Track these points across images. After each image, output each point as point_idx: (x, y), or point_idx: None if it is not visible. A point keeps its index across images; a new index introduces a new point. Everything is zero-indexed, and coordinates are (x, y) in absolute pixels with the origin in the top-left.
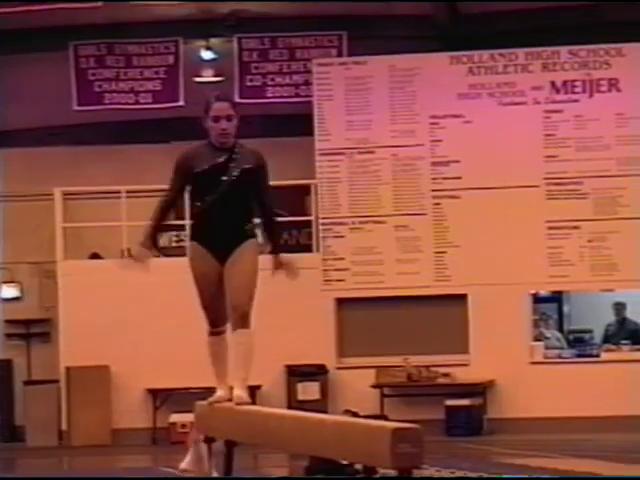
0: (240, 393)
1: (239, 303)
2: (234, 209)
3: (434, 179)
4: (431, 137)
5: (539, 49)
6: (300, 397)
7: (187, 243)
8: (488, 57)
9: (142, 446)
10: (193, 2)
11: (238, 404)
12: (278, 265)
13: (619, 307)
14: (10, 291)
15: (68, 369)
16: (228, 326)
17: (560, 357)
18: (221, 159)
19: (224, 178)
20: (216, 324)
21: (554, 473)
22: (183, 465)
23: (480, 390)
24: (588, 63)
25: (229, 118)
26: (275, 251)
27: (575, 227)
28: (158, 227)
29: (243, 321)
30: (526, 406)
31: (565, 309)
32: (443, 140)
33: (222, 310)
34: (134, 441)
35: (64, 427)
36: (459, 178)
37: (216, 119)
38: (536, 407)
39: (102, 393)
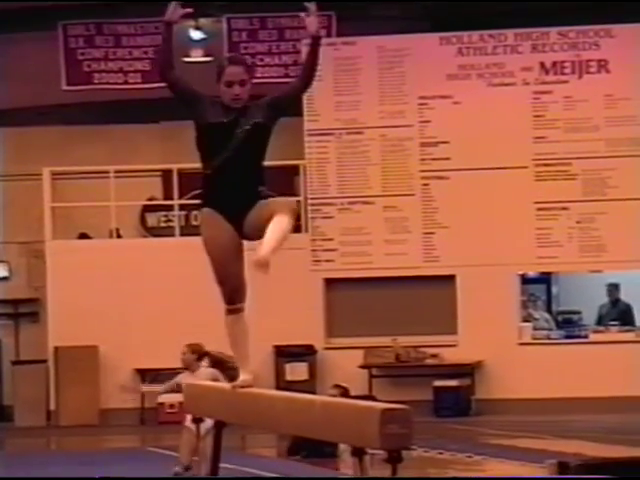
0: (264, 254)
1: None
2: (248, 169)
3: (423, 160)
4: (420, 118)
5: (528, 30)
6: (288, 378)
7: (198, 212)
8: (477, 38)
9: (130, 426)
10: None
11: (260, 264)
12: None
13: (611, 288)
14: None
15: (56, 349)
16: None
17: (548, 338)
18: (232, 117)
19: (237, 133)
20: (233, 300)
21: (542, 454)
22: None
23: (468, 371)
24: (577, 44)
25: (242, 83)
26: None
27: (564, 208)
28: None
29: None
30: (514, 387)
31: (554, 290)
32: (432, 121)
33: (240, 284)
34: (122, 421)
35: (52, 407)
36: (448, 159)
37: (229, 84)
38: (524, 388)
39: (90, 373)
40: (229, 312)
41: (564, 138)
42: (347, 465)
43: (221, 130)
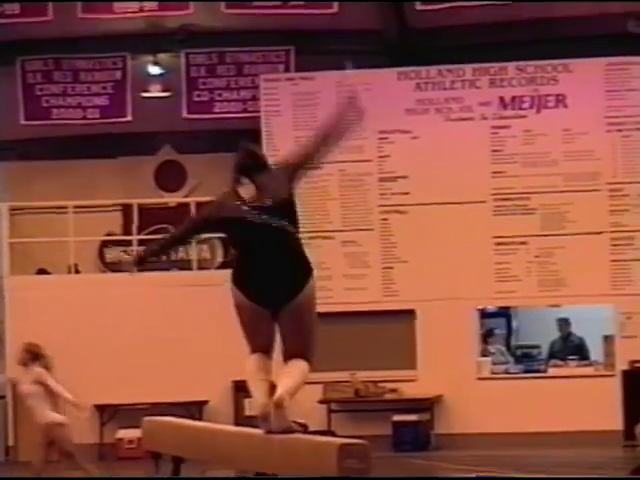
0: (282, 393)
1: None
2: (279, 251)
3: (382, 194)
4: (379, 152)
5: (487, 65)
6: (247, 413)
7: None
8: (436, 73)
9: (89, 462)
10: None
11: (277, 403)
12: None
13: (562, 323)
14: None
15: (15, 384)
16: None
17: (507, 372)
18: (256, 216)
19: (256, 217)
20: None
21: None
22: None
23: (427, 406)
24: (535, 79)
25: (254, 169)
26: None
27: (522, 242)
28: (158, 253)
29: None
30: (473, 421)
31: (513, 324)
32: (391, 155)
33: (270, 343)
34: (81, 456)
35: (11, 442)
36: (407, 193)
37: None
38: (483, 423)
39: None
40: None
41: (522, 173)
42: None
43: (240, 222)
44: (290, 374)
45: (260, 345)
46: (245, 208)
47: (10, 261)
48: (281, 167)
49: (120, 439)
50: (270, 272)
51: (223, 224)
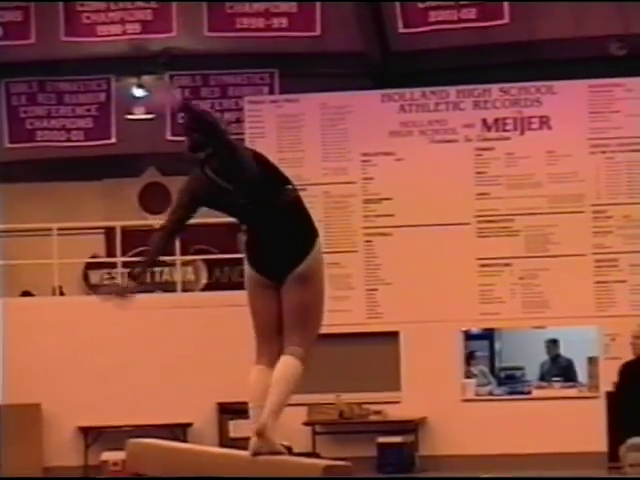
0: (265, 419)
1: (288, 340)
2: (267, 221)
3: (366, 216)
4: (363, 174)
5: (470, 87)
6: (232, 435)
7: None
8: (419, 95)
9: None
10: None
11: (258, 434)
12: None
13: (550, 345)
14: None
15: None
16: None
17: (491, 394)
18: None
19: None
20: (259, 360)
21: None
22: None
23: (412, 427)
24: (519, 101)
25: (198, 125)
26: None
27: (506, 264)
28: (157, 256)
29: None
30: (458, 443)
31: (497, 346)
32: (375, 178)
33: (273, 346)
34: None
35: None
36: (391, 215)
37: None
38: (468, 444)
39: (33, 431)
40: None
41: (506, 195)
42: None
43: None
44: (276, 389)
45: (264, 327)
46: (220, 192)
47: None
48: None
49: (105, 461)
50: (270, 242)
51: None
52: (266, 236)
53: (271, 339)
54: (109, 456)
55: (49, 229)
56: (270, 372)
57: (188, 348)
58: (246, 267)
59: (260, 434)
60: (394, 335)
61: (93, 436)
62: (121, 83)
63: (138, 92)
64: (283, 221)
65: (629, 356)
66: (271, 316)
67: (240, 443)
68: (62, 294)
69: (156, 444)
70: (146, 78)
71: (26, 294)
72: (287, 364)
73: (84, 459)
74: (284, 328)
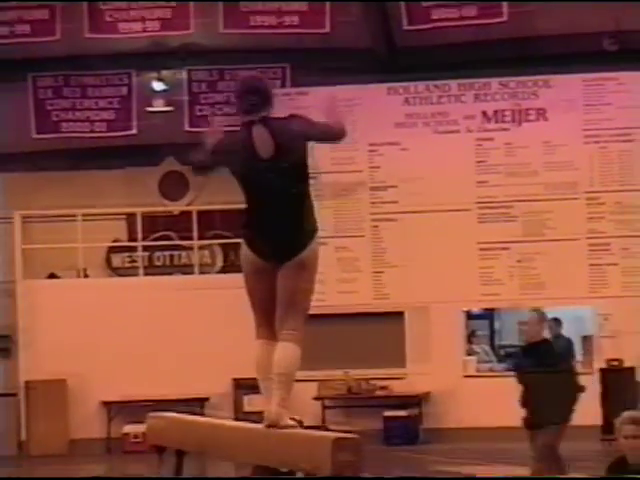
0: (275, 409)
1: (283, 324)
2: (278, 198)
3: (372, 203)
4: (370, 164)
5: (471, 80)
6: (246, 409)
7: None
8: (423, 88)
9: (97, 455)
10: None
11: (269, 425)
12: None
13: (552, 324)
14: None
15: (27, 383)
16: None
17: (491, 371)
18: (248, 136)
19: (257, 159)
20: (260, 334)
21: None
22: None
23: (416, 402)
24: (517, 94)
25: (259, 93)
26: None
27: (505, 248)
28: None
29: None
30: (460, 417)
31: (496, 325)
32: (381, 166)
33: (270, 321)
34: (90, 451)
35: (23, 437)
36: (396, 202)
37: (246, 93)
38: (469, 417)
39: (59, 405)
40: (257, 337)
41: (505, 182)
42: None
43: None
44: (281, 377)
45: (261, 306)
46: (254, 161)
47: (22, 266)
48: (299, 121)
49: (126, 434)
50: (277, 225)
51: (231, 169)
52: (274, 219)
53: (268, 315)
54: (130, 429)
55: (74, 215)
56: (271, 345)
57: (205, 327)
58: (244, 250)
59: (274, 425)
60: (399, 315)
61: (115, 410)
62: (141, 77)
63: (158, 85)
64: (294, 208)
65: (622, 335)
66: (268, 296)
67: (253, 416)
68: (86, 276)
69: (175, 418)
70: (165, 73)
71: (52, 276)
72: (287, 351)
73: (107, 432)
74: (279, 310)
